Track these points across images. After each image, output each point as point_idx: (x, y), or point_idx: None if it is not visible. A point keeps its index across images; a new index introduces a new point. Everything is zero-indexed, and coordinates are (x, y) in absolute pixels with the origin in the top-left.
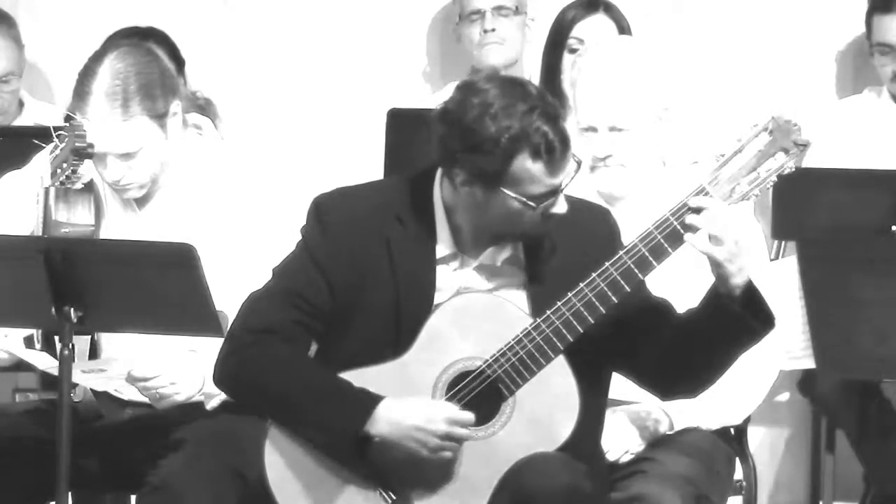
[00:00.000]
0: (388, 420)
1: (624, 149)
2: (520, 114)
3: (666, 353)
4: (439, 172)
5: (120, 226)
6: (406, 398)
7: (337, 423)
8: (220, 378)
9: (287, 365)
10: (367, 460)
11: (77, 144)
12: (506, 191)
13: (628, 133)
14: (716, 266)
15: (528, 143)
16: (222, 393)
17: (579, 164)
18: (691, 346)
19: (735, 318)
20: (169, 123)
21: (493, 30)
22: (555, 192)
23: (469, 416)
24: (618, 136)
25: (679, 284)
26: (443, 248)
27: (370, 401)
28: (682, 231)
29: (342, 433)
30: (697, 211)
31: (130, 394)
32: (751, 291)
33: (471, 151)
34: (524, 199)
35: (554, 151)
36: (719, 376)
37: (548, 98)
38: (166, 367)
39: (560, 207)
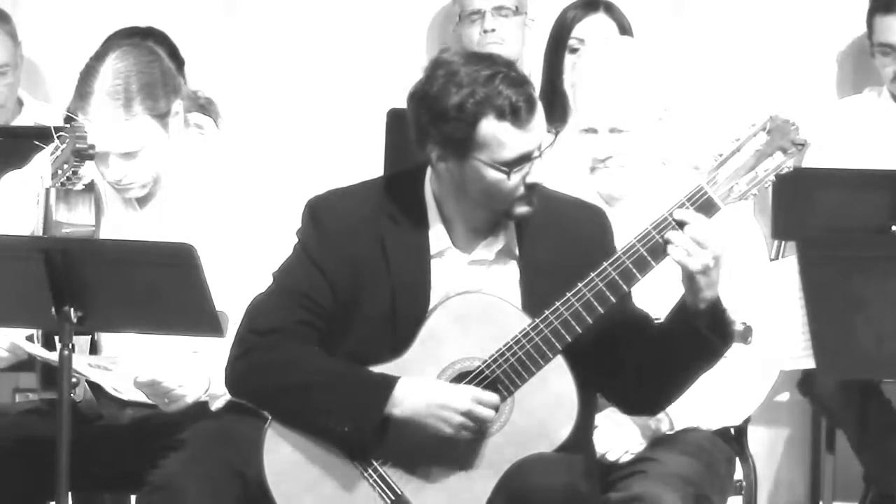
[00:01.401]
0: (410, 400)
1: (624, 150)
2: (483, 79)
3: (630, 365)
4: (429, 168)
5: (121, 225)
6: (423, 379)
7: (357, 407)
8: (232, 382)
9: (299, 359)
10: (383, 445)
11: (78, 145)
12: (477, 158)
13: (628, 134)
14: (687, 278)
15: (491, 106)
16: (227, 394)
17: (556, 134)
18: (654, 360)
19: (696, 334)
20: (171, 123)
21: (493, 30)
22: (527, 157)
23: (492, 396)
24: (618, 138)
25: (666, 287)
26: (436, 243)
27: (388, 382)
28: (678, 229)
29: (363, 417)
30: (681, 225)
31: (130, 394)
32: (717, 309)
33: (438, 121)
34: (496, 165)
35: (519, 111)
36: (679, 394)
37: (514, 66)
38: (172, 371)
39: (538, 176)
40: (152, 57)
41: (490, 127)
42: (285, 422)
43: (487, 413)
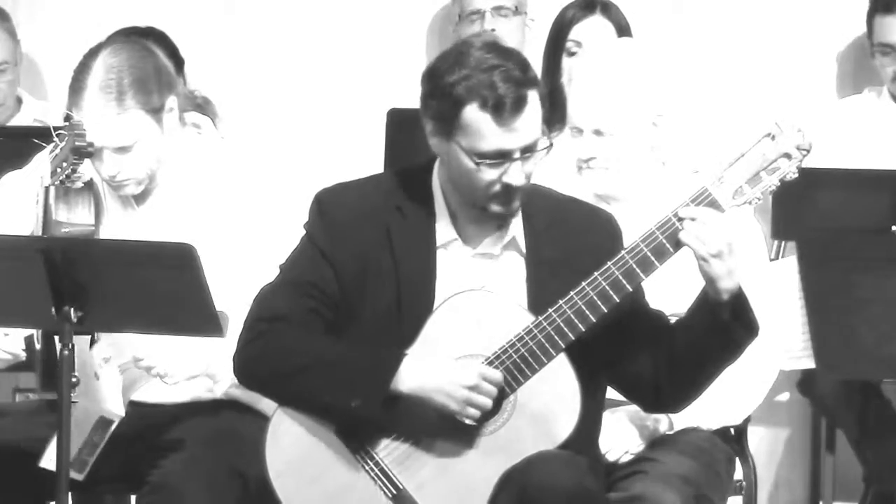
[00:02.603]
0: (416, 374)
1: (607, 152)
2: (484, 67)
3: (652, 364)
4: (437, 162)
5: (119, 224)
6: (429, 357)
7: (364, 382)
8: (241, 369)
9: (306, 342)
10: (390, 424)
11: (77, 143)
12: (456, 141)
13: (612, 138)
14: (703, 262)
15: (478, 94)
16: (228, 379)
17: (550, 145)
18: (677, 356)
19: (719, 325)
20: (165, 119)
21: (493, 30)
22: (504, 155)
23: (496, 373)
24: (601, 140)
25: (675, 286)
26: (443, 235)
27: (394, 357)
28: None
29: (370, 391)
30: (693, 217)
31: (132, 394)
32: (740, 300)
33: (433, 95)
34: (470, 154)
35: (502, 108)
36: (701, 390)
37: (526, 65)
38: (161, 347)
39: (515, 179)
40: (145, 53)
41: (472, 114)
42: (295, 406)
43: (492, 389)
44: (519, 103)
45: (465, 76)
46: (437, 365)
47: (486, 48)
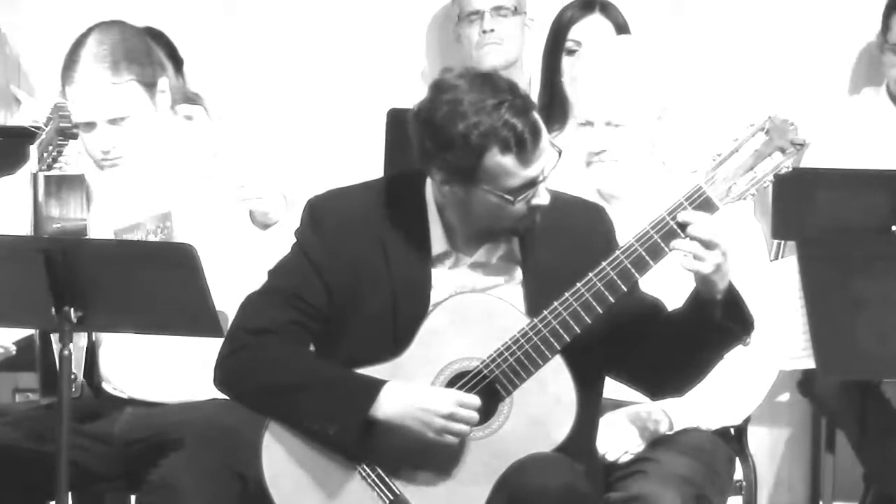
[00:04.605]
0: (392, 402)
1: (619, 144)
2: (488, 109)
3: (653, 352)
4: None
5: (108, 212)
6: (410, 383)
7: (342, 409)
8: (221, 379)
9: (287, 359)
10: (372, 448)
11: (61, 124)
12: (482, 187)
13: (624, 129)
14: (701, 280)
15: (496, 138)
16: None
17: (560, 153)
18: (675, 348)
19: (715, 325)
20: (158, 98)
21: (492, 30)
22: (532, 183)
23: (474, 399)
24: (613, 132)
25: (670, 280)
26: (437, 246)
27: (374, 385)
28: (678, 230)
29: (348, 419)
30: (684, 226)
31: (130, 392)
32: (731, 294)
33: (443, 150)
34: (501, 194)
35: (524, 143)
36: (704, 376)
37: (518, 91)
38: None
39: (542, 199)
40: (136, 30)
41: (495, 158)
42: (275, 420)
43: (469, 415)
44: (536, 132)
45: (475, 124)
46: (412, 393)
47: (472, 85)
